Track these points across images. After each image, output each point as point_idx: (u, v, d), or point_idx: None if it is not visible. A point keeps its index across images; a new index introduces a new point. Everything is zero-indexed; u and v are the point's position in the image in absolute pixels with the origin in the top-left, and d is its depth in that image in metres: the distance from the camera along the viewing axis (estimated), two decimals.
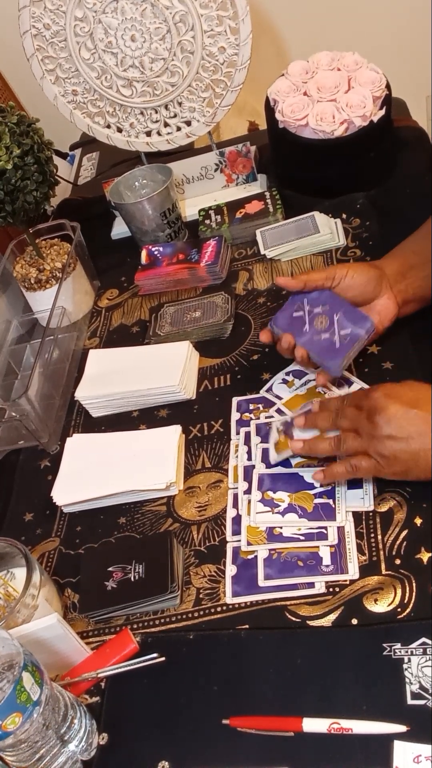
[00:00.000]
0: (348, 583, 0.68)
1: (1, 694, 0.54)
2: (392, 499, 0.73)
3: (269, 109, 1.13)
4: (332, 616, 0.66)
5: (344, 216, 1.10)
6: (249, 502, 0.78)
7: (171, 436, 0.87)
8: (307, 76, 1.11)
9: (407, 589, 0.66)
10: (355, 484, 0.75)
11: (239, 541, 0.75)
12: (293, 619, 0.67)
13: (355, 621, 0.65)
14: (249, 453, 0.83)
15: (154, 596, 0.72)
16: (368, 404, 0.69)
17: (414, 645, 0.61)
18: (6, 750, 0.58)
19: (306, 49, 1.17)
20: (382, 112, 1.07)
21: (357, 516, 0.73)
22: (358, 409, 0.70)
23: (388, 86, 1.09)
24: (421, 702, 0.58)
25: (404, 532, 0.70)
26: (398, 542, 0.69)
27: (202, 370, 0.97)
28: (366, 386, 0.83)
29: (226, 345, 0.99)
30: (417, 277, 0.83)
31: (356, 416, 0.70)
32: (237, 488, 0.80)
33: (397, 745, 0.57)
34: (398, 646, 0.62)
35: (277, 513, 0.75)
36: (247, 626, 0.69)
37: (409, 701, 0.59)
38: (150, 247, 1.14)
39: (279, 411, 0.86)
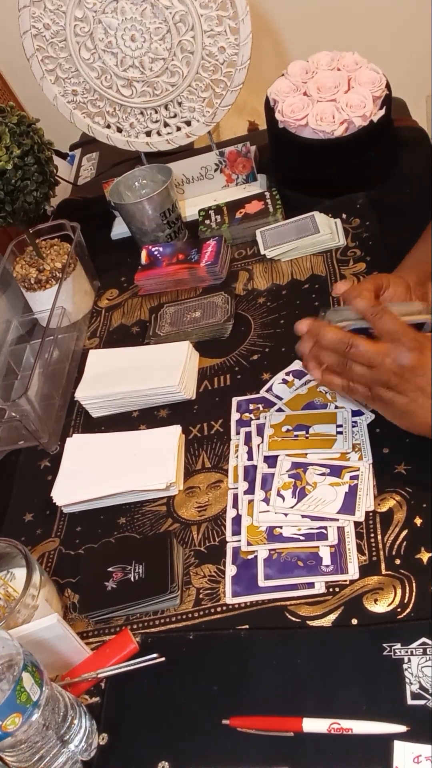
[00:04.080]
0: (348, 583, 0.68)
1: (1, 695, 0.54)
2: (392, 499, 0.73)
3: (269, 109, 1.13)
4: (332, 616, 0.66)
5: (344, 216, 1.10)
6: (250, 502, 0.78)
7: (171, 436, 0.87)
8: (307, 76, 1.11)
9: (407, 589, 0.66)
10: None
11: (239, 541, 0.75)
12: (293, 619, 0.67)
13: (355, 621, 0.65)
14: (249, 453, 0.83)
15: (154, 596, 0.72)
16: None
17: (414, 645, 0.61)
18: (6, 750, 0.58)
19: (306, 49, 1.17)
20: (382, 112, 1.08)
21: None
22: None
23: (388, 86, 1.09)
24: (421, 702, 0.58)
25: (404, 532, 0.70)
26: (398, 542, 0.69)
27: (202, 370, 0.97)
28: None
29: (226, 345, 0.99)
30: None
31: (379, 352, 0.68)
32: (237, 488, 0.80)
33: (397, 745, 0.57)
34: (398, 646, 0.62)
35: (279, 512, 0.75)
36: (247, 626, 0.68)
37: (409, 701, 0.59)
38: (150, 247, 1.14)
39: (279, 410, 0.86)
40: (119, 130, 1.20)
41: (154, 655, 0.68)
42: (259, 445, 0.83)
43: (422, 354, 0.66)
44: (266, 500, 0.77)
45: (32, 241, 1.11)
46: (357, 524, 0.72)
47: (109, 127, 1.19)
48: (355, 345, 0.69)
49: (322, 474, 0.77)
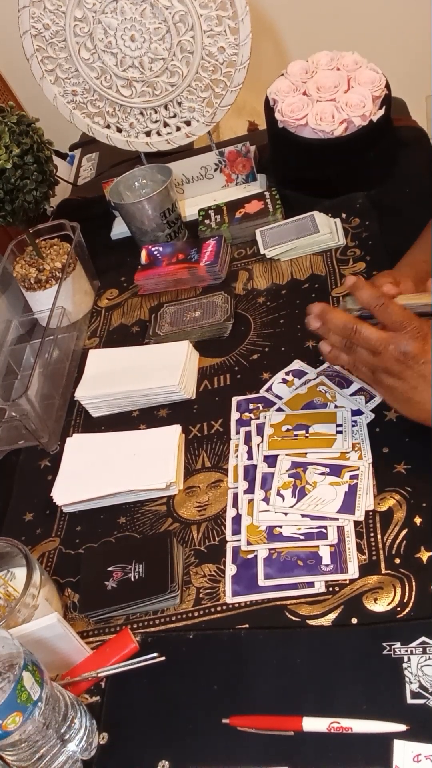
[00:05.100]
0: (348, 582, 0.68)
1: (1, 694, 0.54)
2: (392, 499, 0.73)
3: (269, 109, 1.13)
4: (332, 616, 0.66)
5: (344, 216, 1.11)
6: (250, 501, 0.78)
7: (171, 435, 0.87)
8: (307, 76, 1.11)
9: (407, 588, 0.66)
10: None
11: (239, 540, 0.75)
12: (293, 618, 0.67)
13: (354, 620, 0.65)
14: (249, 452, 0.83)
15: (154, 596, 0.72)
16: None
17: (414, 644, 0.61)
18: (6, 749, 0.58)
19: (306, 49, 1.17)
20: (382, 111, 1.08)
21: None
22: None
23: (387, 86, 1.09)
24: (421, 701, 0.58)
25: (404, 532, 0.70)
26: (398, 541, 0.69)
27: (201, 370, 0.97)
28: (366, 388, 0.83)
29: (226, 345, 0.99)
30: None
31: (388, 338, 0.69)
32: (237, 488, 0.80)
33: (397, 744, 0.57)
34: (398, 645, 0.62)
35: (279, 512, 0.75)
36: (247, 626, 0.69)
37: (409, 700, 0.59)
38: (150, 246, 1.14)
39: (279, 410, 0.86)
40: (119, 130, 1.20)
41: (154, 655, 0.68)
42: (258, 445, 0.83)
43: (425, 342, 0.67)
44: (266, 500, 0.77)
45: (32, 241, 1.11)
46: (357, 523, 0.72)
47: (108, 127, 1.19)
48: (360, 330, 0.70)
49: (322, 473, 0.77)
